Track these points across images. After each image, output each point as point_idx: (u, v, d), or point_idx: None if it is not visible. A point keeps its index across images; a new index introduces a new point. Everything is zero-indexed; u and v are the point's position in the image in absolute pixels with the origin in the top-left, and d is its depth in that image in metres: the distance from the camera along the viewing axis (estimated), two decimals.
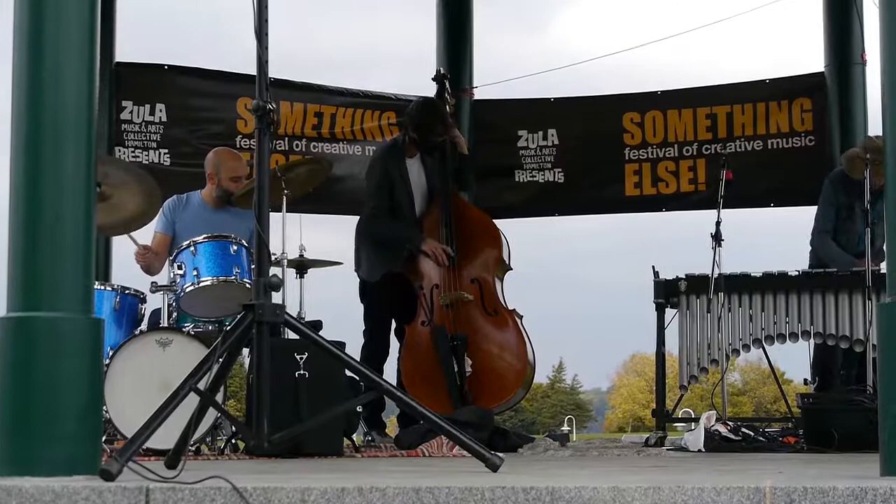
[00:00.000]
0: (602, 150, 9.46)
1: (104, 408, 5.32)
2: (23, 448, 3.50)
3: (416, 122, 7.57)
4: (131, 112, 8.58)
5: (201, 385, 3.72)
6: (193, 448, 5.79)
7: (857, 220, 7.65)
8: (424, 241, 7.40)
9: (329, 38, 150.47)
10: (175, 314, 6.28)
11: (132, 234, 6.64)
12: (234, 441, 6.18)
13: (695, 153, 9.28)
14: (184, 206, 7.02)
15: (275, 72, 4.22)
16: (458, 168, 7.70)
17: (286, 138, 9.02)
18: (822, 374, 7.66)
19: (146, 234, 6.92)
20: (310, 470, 4.27)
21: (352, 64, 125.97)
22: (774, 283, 7.16)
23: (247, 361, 5.79)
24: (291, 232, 6.65)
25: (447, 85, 7.80)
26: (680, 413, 8.31)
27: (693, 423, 7.43)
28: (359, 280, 7.60)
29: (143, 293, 6.37)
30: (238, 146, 8.64)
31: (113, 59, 8.51)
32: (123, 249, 6.78)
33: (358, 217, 7.77)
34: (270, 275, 3.91)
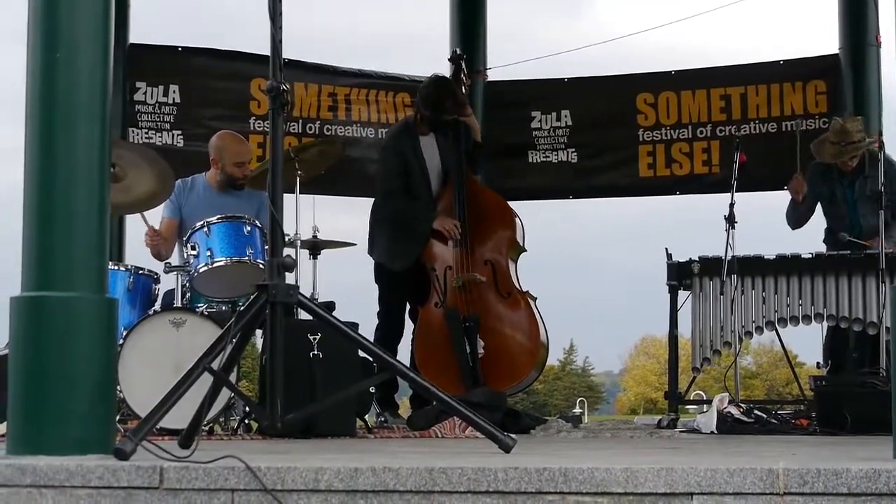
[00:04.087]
0: (615, 131, 9.43)
1: (118, 387, 5.34)
2: (37, 427, 3.51)
3: (426, 99, 7.54)
4: (145, 93, 8.59)
5: (215, 365, 3.73)
6: (207, 428, 5.81)
7: (839, 203, 7.79)
8: (437, 219, 7.39)
9: (343, 22, 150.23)
10: (188, 294, 6.28)
11: (145, 214, 6.64)
12: (247, 421, 6.19)
13: (708, 134, 9.25)
14: (189, 190, 7.00)
15: (289, 54, 4.21)
16: (470, 156, 7.67)
17: (300, 121, 9.02)
18: (834, 356, 7.65)
19: (157, 217, 6.92)
20: (323, 450, 4.28)
21: (366, 48, 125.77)
22: (788, 266, 7.15)
23: (260, 342, 5.79)
24: (305, 213, 6.65)
25: (463, 66, 7.76)
26: (692, 395, 8.29)
27: (705, 406, 7.45)
28: (374, 262, 7.59)
29: (156, 273, 6.38)
30: (252, 128, 8.65)
31: (127, 41, 8.52)
32: (137, 230, 6.79)
33: (372, 200, 7.76)
34: (284, 255, 3.92)
